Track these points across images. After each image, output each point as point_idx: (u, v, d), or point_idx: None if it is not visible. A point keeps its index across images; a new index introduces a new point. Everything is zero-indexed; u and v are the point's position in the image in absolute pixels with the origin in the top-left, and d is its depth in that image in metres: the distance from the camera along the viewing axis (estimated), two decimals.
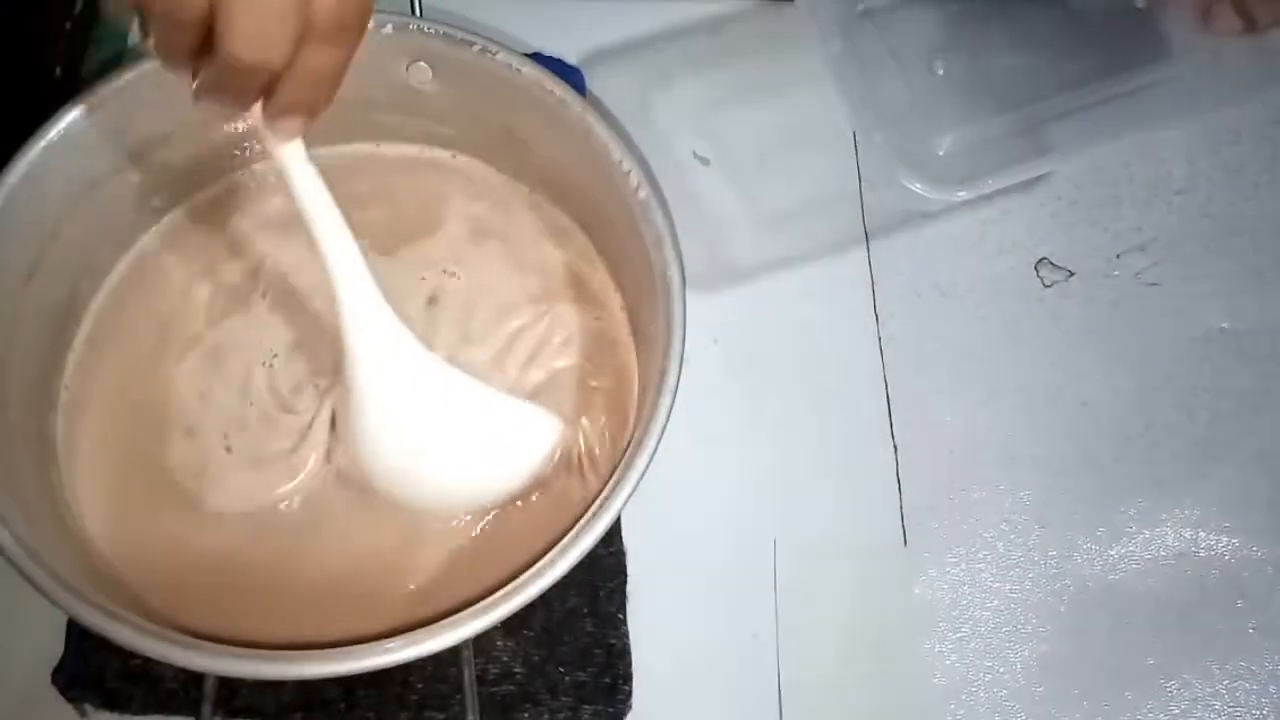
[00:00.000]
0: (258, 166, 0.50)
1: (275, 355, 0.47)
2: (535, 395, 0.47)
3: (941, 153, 0.50)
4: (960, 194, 0.47)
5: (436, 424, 0.43)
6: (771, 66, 0.62)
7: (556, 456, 0.45)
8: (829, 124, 0.60)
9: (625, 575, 0.51)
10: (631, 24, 0.63)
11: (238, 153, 0.50)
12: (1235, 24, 0.50)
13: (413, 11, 0.49)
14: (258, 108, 0.37)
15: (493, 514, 0.45)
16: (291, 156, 0.39)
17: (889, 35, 0.52)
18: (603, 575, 0.51)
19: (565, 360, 0.48)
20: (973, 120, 0.51)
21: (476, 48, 0.46)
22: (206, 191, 0.50)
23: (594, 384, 0.48)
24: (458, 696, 0.47)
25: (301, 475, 0.45)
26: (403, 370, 0.42)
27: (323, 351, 0.47)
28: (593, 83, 0.59)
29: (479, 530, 0.45)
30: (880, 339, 0.57)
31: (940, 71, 0.52)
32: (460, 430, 0.43)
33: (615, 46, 0.62)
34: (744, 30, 0.63)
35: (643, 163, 0.45)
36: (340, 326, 0.41)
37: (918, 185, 0.46)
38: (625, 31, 0.62)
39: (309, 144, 0.39)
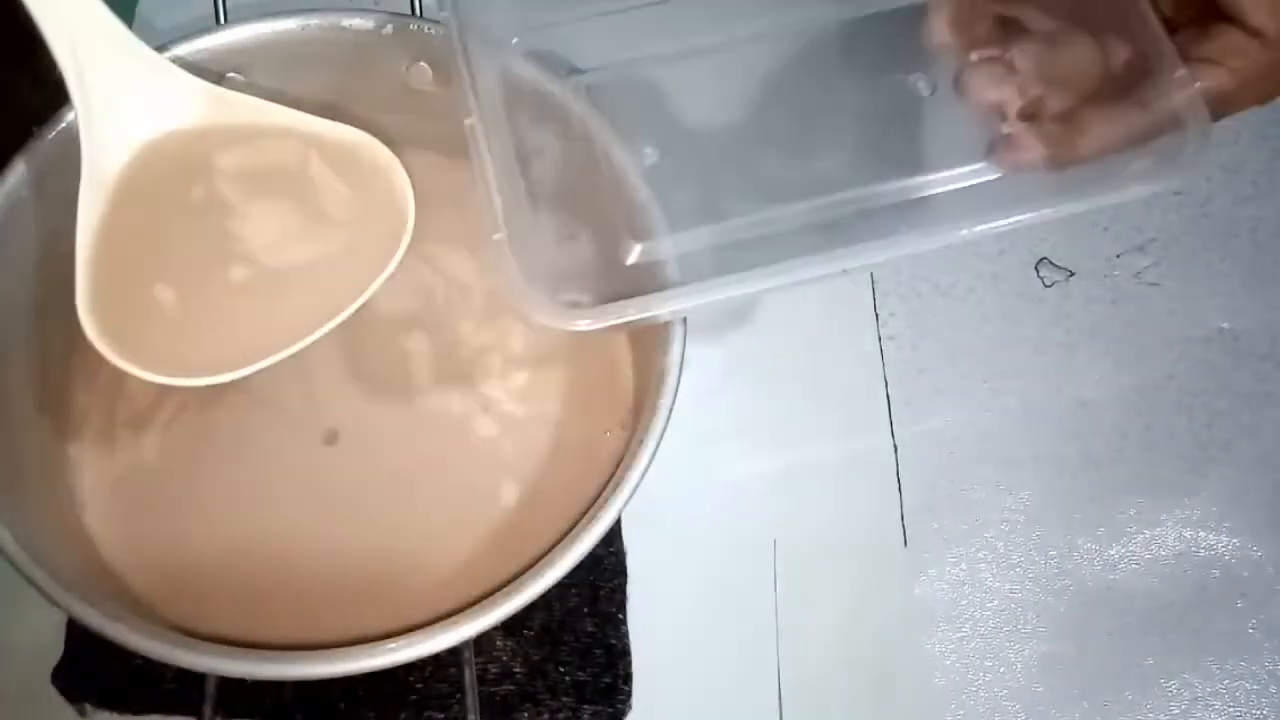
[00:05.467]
0: None
1: None
2: (528, 394, 0.47)
3: (630, 261, 0.39)
4: (582, 324, 0.35)
5: None
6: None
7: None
8: None
9: (625, 575, 0.51)
10: (631, 24, 0.62)
11: None
12: (1035, 154, 0.37)
13: (413, 11, 0.49)
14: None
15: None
16: None
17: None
18: (603, 575, 0.51)
19: (561, 358, 0.48)
20: (681, 225, 0.39)
21: None
22: None
23: (592, 384, 0.48)
24: (458, 696, 0.47)
25: None
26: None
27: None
28: (592, 83, 0.59)
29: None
30: (880, 339, 0.57)
31: (650, 161, 0.41)
32: None
33: (614, 47, 0.62)
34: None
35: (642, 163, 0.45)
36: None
37: (530, 307, 0.35)
38: (624, 32, 0.62)
39: None
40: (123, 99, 0.40)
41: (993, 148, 0.38)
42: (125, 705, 0.47)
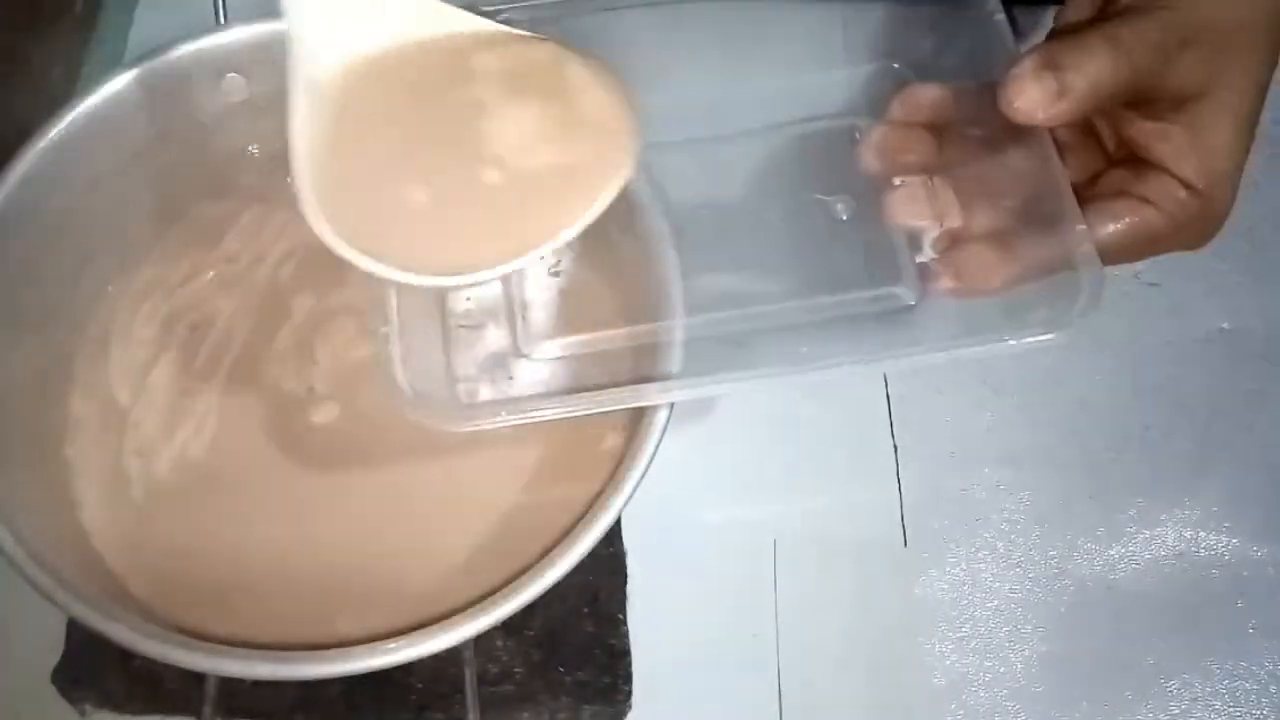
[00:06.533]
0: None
1: None
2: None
3: (535, 356, 0.41)
4: (497, 419, 0.36)
5: None
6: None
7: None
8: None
9: (625, 575, 0.51)
10: (632, 24, 0.62)
11: (244, 158, 0.49)
12: (946, 285, 0.38)
13: None
14: None
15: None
16: None
17: None
18: (603, 575, 0.51)
19: None
20: (585, 327, 0.41)
21: None
22: (208, 193, 0.50)
23: None
24: (458, 696, 0.47)
25: None
26: None
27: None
28: None
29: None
30: None
31: (564, 264, 0.42)
32: None
33: (613, 47, 0.62)
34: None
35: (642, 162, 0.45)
36: None
37: (408, 406, 0.35)
38: (624, 32, 0.62)
39: None
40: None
41: (907, 275, 0.39)
42: (125, 705, 0.47)
